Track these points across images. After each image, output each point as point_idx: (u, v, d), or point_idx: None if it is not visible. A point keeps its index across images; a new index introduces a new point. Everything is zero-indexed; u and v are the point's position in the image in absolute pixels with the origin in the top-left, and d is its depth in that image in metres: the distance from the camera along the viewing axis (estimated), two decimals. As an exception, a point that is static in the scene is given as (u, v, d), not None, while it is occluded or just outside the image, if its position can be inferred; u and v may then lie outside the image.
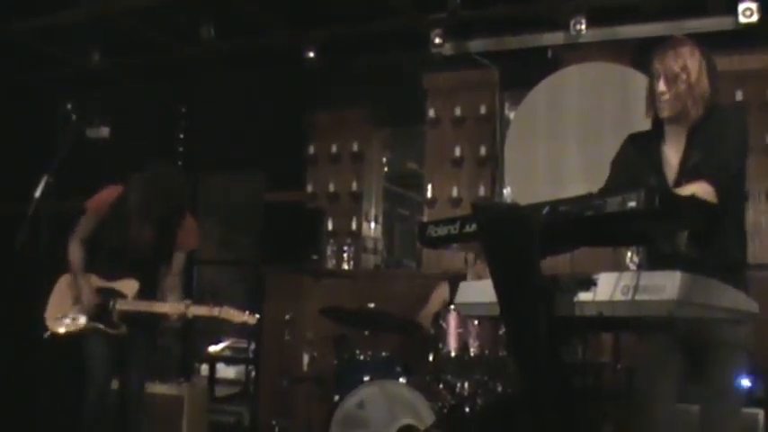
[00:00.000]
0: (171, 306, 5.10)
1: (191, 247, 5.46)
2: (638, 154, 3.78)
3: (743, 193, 3.72)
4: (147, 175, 5.26)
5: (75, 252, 5.30)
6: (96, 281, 5.24)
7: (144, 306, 5.14)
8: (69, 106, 5.12)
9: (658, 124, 3.73)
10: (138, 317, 5.17)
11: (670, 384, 3.73)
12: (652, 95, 3.67)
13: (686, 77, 3.54)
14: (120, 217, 5.24)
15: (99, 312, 5.16)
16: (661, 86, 3.58)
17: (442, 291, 6.47)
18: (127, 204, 5.22)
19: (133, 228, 5.23)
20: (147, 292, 5.21)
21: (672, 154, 3.68)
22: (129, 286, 5.19)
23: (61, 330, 5.23)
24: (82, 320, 5.18)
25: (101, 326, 5.16)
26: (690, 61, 3.57)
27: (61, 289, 5.34)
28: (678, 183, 3.55)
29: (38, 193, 4.82)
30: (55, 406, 5.53)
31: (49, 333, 5.25)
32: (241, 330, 9.21)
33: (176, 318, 5.12)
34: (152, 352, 5.52)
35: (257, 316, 5.19)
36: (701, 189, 3.36)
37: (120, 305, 5.16)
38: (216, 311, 5.12)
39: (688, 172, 3.54)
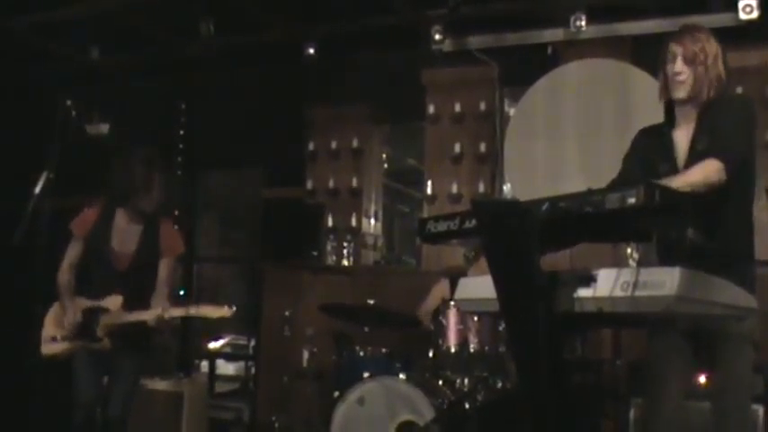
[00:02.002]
0: (149, 313, 5.07)
1: (176, 251, 5.43)
2: (650, 143, 3.85)
3: (752, 185, 3.73)
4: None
5: (63, 277, 5.32)
6: (84, 302, 5.25)
7: (125, 317, 5.12)
8: (69, 103, 5.10)
9: (670, 110, 3.77)
10: (124, 335, 5.15)
11: (678, 379, 3.74)
12: (665, 78, 3.71)
13: (704, 59, 3.63)
14: (104, 232, 5.27)
15: (83, 330, 5.17)
16: (678, 66, 3.65)
17: (442, 287, 6.47)
18: (112, 186, 5.28)
19: (117, 232, 5.26)
20: (136, 304, 5.18)
21: (682, 138, 3.74)
22: (114, 302, 5.18)
23: (50, 352, 5.25)
24: (67, 340, 5.20)
25: (84, 342, 5.15)
26: (707, 45, 3.67)
27: (53, 313, 5.36)
28: (687, 167, 3.59)
29: (37, 190, 4.82)
30: (47, 427, 5.53)
31: (42, 357, 5.27)
32: (240, 326, 9.23)
33: (156, 324, 5.08)
34: (138, 373, 5.47)
35: (234, 308, 5.14)
36: (709, 165, 3.41)
37: (104, 319, 5.15)
38: (193, 311, 5.10)
39: (698, 156, 3.58)
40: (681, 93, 3.69)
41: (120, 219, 5.31)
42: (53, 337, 5.25)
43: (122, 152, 5.45)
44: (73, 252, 5.36)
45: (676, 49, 3.68)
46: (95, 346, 5.15)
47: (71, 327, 5.18)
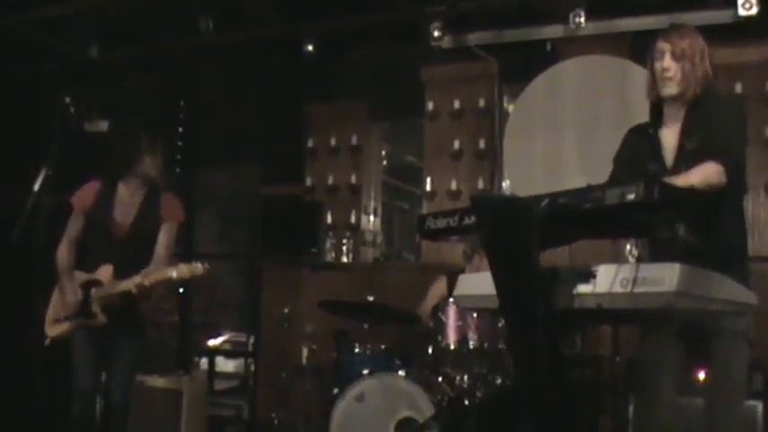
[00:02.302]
0: (132, 281, 5.00)
1: (177, 218, 5.36)
2: (638, 143, 3.83)
3: (743, 183, 3.74)
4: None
5: (62, 254, 5.28)
6: (81, 276, 5.22)
7: (115, 288, 5.08)
8: (68, 99, 5.10)
9: (657, 108, 3.77)
10: (118, 308, 5.12)
11: (671, 376, 3.74)
12: (653, 75, 3.71)
13: (691, 54, 3.63)
14: (106, 204, 5.25)
15: (82, 306, 5.15)
16: (666, 61, 3.66)
17: (440, 284, 6.47)
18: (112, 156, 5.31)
19: (119, 204, 5.25)
20: (132, 274, 5.08)
21: (670, 137, 3.73)
22: (105, 272, 5.15)
23: (54, 333, 5.23)
24: (68, 320, 5.18)
25: (82, 318, 5.13)
26: (694, 41, 3.68)
27: (56, 294, 5.34)
28: (676, 166, 3.59)
29: (36, 187, 4.81)
30: (51, 411, 5.51)
31: (48, 340, 5.25)
32: (240, 323, 9.23)
33: (138, 292, 5.03)
34: (137, 357, 5.42)
35: (206, 266, 5.09)
36: (710, 168, 3.41)
37: (97, 292, 5.12)
38: (169, 272, 5.03)
39: (687, 155, 3.57)
40: (669, 89, 3.69)
41: (123, 190, 5.29)
42: (57, 318, 5.24)
43: (123, 126, 5.45)
44: (72, 228, 5.32)
45: (664, 45, 3.69)
46: (93, 323, 5.12)
47: (73, 305, 5.15)
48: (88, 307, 5.11)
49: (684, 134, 3.66)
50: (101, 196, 5.28)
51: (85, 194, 5.31)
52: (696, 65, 3.64)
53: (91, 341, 5.17)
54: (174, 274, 5.01)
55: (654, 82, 3.74)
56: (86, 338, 5.17)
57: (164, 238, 5.27)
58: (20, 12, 7.75)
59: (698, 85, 3.65)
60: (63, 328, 5.20)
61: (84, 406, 5.14)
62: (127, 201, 5.28)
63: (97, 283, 5.14)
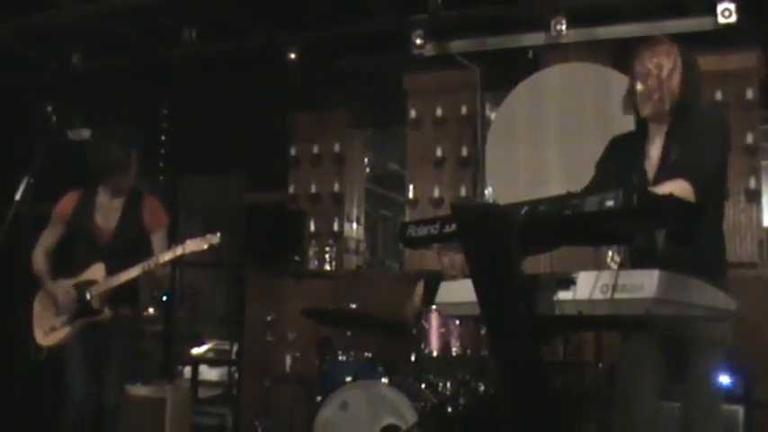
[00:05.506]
0: (135, 268, 5.01)
1: (163, 224, 5.40)
2: (622, 153, 3.86)
3: (723, 193, 3.75)
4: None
5: (38, 262, 5.31)
6: (67, 282, 5.22)
7: (114, 280, 5.08)
8: (50, 108, 5.11)
9: (642, 123, 3.79)
10: (120, 299, 5.11)
11: (652, 382, 3.76)
12: (631, 95, 3.73)
13: (657, 73, 3.62)
14: (88, 210, 5.25)
15: (80, 308, 5.13)
16: (639, 86, 3.66)
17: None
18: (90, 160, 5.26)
19: (100, 208, 5.26)
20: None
21: (653, 151, 3.75)
22: (97, 270, 5.15)
23: (54, 342, 5.20)
24: (68, 324, 5.16)
25: (86, 319, 5.12)
26: (664, 59, 3.68)
27: (40, 304, 5.31)
28: (658, 179, 3.60)
29: (18, 196, 4.81)
30: (37, 421, 5.49)
31: (43, 351, 5.22)
32: (223, 332, 9.22)
33: (148, 274, 5.02)
34: (130, 361, 5.44)
35: (218, 234, 5.08)
36: (678, 186, 3.39)
37: (95, 289, 5.11)
38: (180, 250, 5.03)
39: (668, 168, 3.59)
40: (644, 111, 3.74)
41: (103, 196, 5.32)
42: (52, 326, 5.21)
43: (98, 133, 5.43)
44: (47, 237, 5.35)
45: (637, 67, 3.72)
46: (98, 320, 5.11)
47: (69, 308, 5.14)
48: (89, 305, 5.10)
49: (666, 148, 3.68)
50: (81, 203, 5.30)
51: (65, 204, 5.34)
52: (663, 81, 3.64)
53: (84, 351, 5.17)
54: (185, 250, 5.00)
55: (631, 100, 3.76)
56: (80, 348, 5.17)
57: (159, 245, 5.27)
58: (2, 21, 7.73)
59: (665, 101, 3.66)
60: (62, 333, 5.17)
61: (77, 416, 5.13)
62: (108, 205, 5.30)
63: (91, 282, 5.13)
